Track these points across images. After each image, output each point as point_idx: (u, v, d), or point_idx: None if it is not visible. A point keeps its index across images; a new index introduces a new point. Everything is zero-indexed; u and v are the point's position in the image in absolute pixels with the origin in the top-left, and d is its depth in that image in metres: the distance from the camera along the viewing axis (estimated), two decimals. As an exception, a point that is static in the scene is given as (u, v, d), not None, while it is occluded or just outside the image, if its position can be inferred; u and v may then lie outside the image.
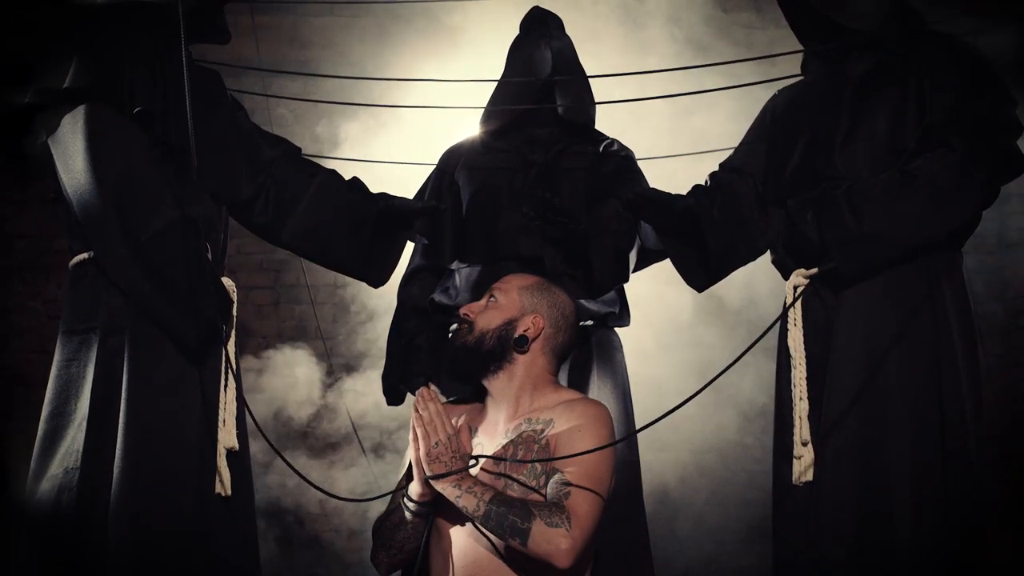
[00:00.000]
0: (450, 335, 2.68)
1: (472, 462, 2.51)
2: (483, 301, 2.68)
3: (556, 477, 2.46)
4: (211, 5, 2.86)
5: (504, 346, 2.62)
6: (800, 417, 2.75)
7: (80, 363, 2.62)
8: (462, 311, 2.67)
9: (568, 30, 3.47)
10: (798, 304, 2.81)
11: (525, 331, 2.63)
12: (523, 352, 2.62)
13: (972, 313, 2.77)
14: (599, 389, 3.18)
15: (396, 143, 4.59)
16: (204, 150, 2.77)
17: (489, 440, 2.61)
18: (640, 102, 3.42)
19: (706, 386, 2.51)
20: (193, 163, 2.63)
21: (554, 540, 2.36)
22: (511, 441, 2.54)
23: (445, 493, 2.45)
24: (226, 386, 2.74)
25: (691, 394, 2.49)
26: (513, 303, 2.65)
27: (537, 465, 2.48)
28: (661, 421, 2.52)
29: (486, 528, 2.42)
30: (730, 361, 2.55)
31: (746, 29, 5.22)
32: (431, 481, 2.46)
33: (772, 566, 2.85)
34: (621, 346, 3.32)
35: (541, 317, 2.65)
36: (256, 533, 2.86)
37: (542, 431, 2.53)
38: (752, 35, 5.17)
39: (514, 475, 2.49)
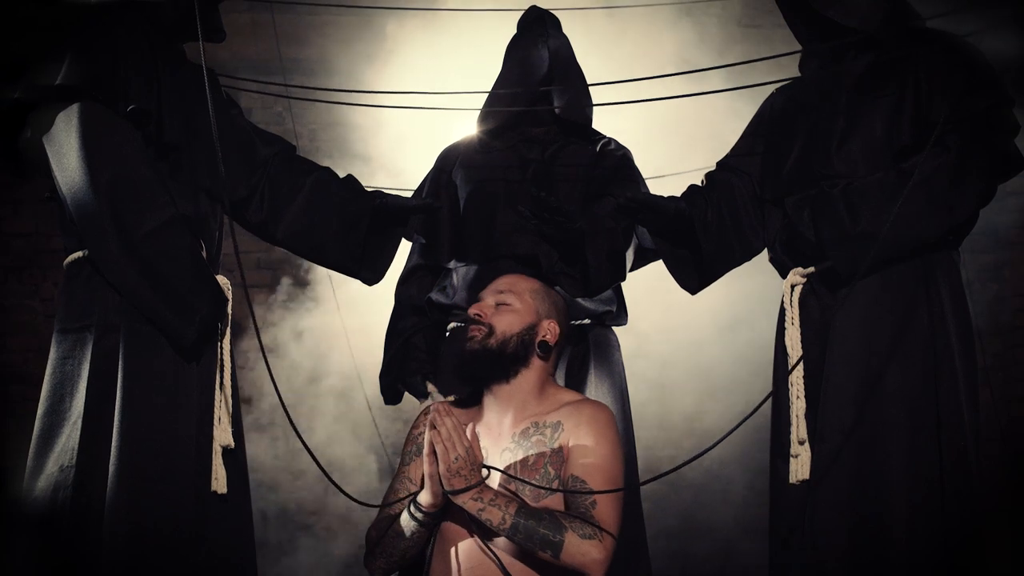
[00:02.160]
0: (460, 336, 2.65)
1: (485, 472, 2.50)
2: (490, 302, 2.66)
3: (576, 484, 2.47)
4: (206, 3, 2.85)
5: (527, 350, 2.63)
6: (797, 416, 2.74)
7: (75, 361, 2.61)
8: (473, 311, 2.66)
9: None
10: (795, 303, 2.80)
11: (545, 337, 2.63)
12: (546, 358, 2.64)
13: (970, 312, 2.77)
14: (596, 388, 3.18)
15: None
16: (199, 148, 2.77)
17: (493, 443, 2.61)
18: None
19: (712, 445, 2.52)
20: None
21: (589, 552, 2.39)
22: (520, 446, 2.56)
23: (466, 507, 2.44)
24: (222, 384, 2.74)
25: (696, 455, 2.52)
26: (529, 308, 2.65)
27: (551, 469, 2.51)
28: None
29: (513, 540, 2.41)
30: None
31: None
32: (451, 496, 2.45)
33: (769, 565, 2.84)
34: (619, 344, 3.31)
35: (556, 323, 2.67)
36: (252, 531, 2.85)
37: (553, 436, 2.55)
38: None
39: (526, 478, 2.51)
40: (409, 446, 2.72)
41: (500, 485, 2.53)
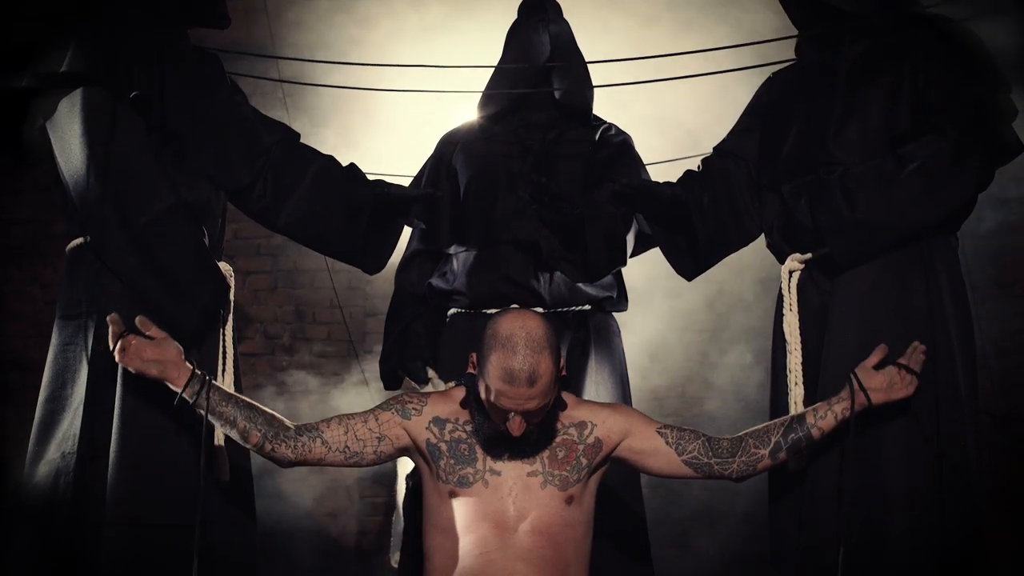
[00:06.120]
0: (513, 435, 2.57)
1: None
2: (520, 422, 2.54)
3: (660, 430, 2.65)
4: None
5: (558, 398, 2.64)
6: (795, 403, 2.75)
7: (77, 347, 2.62)
8: (516, 434, 2.54)
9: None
10: (793, 289, 2.81)
11: (561, 373, 2.62)
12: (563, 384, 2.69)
13: (968, 299, 2.77)
14: (597, 373, 3.19)
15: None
16: (202, 135, 2.77)
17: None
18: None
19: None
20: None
21: None
22: (546, 445, 2.61)
23: None
24: (223, 370, 2.74)
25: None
26: (552, 385, 2.54)
27: (583, 459, 2.60)
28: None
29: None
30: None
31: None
32: None
33: (768, 552, 2.86)
34: (619, 330, 3.32)
35: (560, 356, 2.62)
36: (255, 520, 2.86)
37: (582, 434, 2.63)
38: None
39: (556, 471, 2.58)
40: (395, 403, 2.65)
41: (529, 475, 2.58)
